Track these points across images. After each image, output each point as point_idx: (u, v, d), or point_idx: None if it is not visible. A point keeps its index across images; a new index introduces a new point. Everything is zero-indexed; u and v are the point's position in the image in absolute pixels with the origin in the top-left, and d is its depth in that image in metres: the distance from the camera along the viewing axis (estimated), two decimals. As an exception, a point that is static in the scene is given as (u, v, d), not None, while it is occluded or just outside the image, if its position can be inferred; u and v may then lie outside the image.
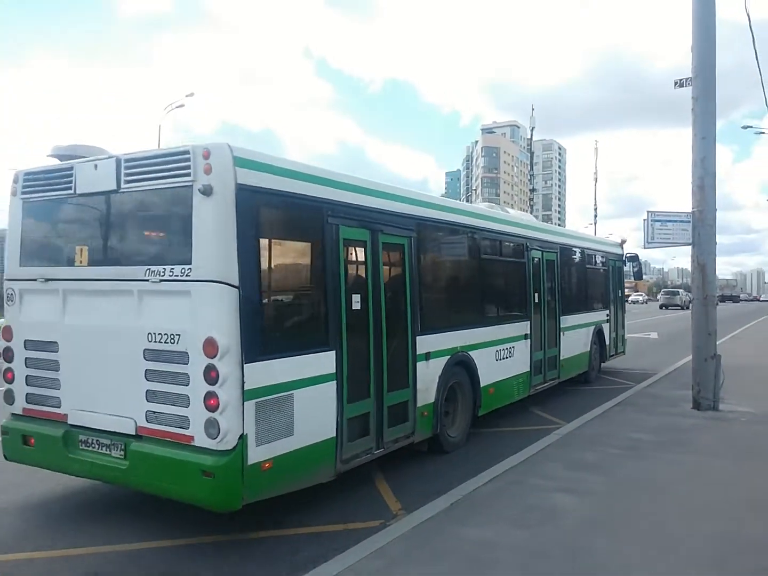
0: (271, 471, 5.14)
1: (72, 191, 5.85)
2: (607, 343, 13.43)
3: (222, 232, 5.02)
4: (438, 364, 7.34)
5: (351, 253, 6.21)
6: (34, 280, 6.08)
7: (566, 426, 8.30)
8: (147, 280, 5.30)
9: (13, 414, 6.18)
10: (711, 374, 9.13)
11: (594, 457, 6.80)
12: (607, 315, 13.46)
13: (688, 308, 65.60)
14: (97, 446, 5.59)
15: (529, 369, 9.71)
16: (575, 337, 11.64)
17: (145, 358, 5.27)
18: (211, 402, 4.98)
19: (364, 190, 6.44)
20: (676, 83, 9.51)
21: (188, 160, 5.08)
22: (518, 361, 9.39)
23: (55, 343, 5.91)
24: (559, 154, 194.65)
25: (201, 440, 4.99)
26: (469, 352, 7.99)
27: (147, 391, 5.27)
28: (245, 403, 5.00)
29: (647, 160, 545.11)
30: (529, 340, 9.72)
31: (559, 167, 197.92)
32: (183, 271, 5.10)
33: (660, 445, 7.29)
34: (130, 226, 5.67)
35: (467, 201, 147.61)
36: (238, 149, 5.16)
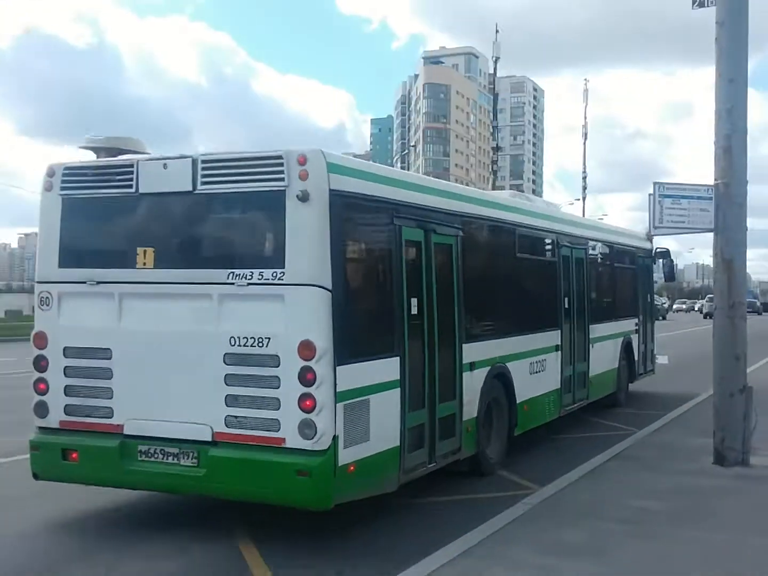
0: (354, 474, 7.05)
1: (133, 190, 7.56)
2: (636, 358, 15.70)
3: (318, 237, 6.92)
4: (480, 376, 9.49)
5: (412, 256, 8.26)
6: (81, 282, 7.76)
7: (541, 491, 8.49)
8: (231, 284, 7.11)
9: (44, 428, 7.91)
10: (739, 415, 9.49)
11: (579, 535, 6.97)
12: (636, 324, 15.75)
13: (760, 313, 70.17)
14: (161, 456, 7.36)
15: (559, 386, 11.95)
16: (604, 350, 13.81)
17: (225, 362, 7.11)
18: (306, 403, 6.86)
19: (427, 189, 8.82)
20: (694, 2, 9.84)
21: (281, 165, 6.92)
22: (549, 376, 11.57)
23: (108, 349, 7.65)
24: (534, 98, 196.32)
25: (294, 442, 6.87)
26: (507, 364, 10.18)
27: (227, 396, 7.10)
28: (336, 405, 6.92)
29: (657, 110, 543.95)
30: (559, 352, 11.94)
31: (535, 117, 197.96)
32: (275, 274, 6.94)
33: (673, 517, 7.54)
34: (207, 228, 7.54)
35: (404, 162, 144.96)
36: (329, 155, 7.12)
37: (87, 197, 7.88)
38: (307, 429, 6.89)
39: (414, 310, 8.16)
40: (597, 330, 13.30)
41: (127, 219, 7.74)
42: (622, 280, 15.22)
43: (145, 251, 7.54)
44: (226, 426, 7.15)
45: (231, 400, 7.13)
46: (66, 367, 7.84)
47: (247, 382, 7.07)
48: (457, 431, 8.91)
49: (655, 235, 9.77)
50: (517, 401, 10.36)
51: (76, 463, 7.68)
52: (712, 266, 9.67)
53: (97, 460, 7.58)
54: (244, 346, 7.10)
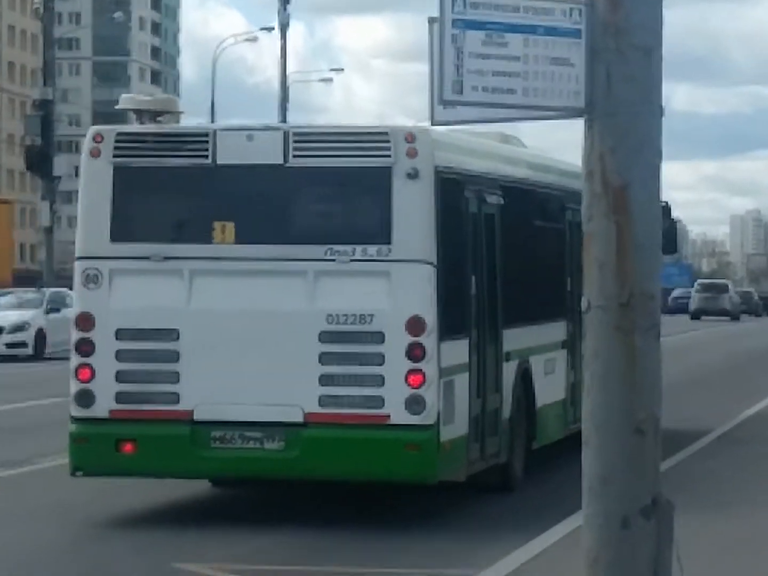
0: (447, 453, 7.78)
1: (209, 160, 7.82)
2: None
3: (426, 214, 7.66)
4: (512, 369, 9.59)
5: (485, 230, 8.82)
6: (141, 258, 7.84)
7: None
8: (331, 260, 7.70)
9: (87, 418, 7.89)
10: (642, 566, 4.14)
11: None
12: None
13: (737, 318, 59.32)
14: (240, 441, 7.68)
15: (564, 395, 11.14)
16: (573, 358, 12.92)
17: (320, 340, 7.66)
18: (415, 379, 7.49)
19: (514, 161, 9.74)
20: None
21: (387, 141, 7.69)
22: (557, 380, 11.07)
23: (174, 330, 7.81)
24: None
25: (399, 417, 7.53)
26: (529, 358, 10.01)
27: (322, 375, 7.64)
28: (440, 381, 7.60)
29: None
30: (565, 351, 11.17)
31: None
32: (380, 251, 7.64)
33: None
34: (300, 203, 8.14)
35: None
36: (434, 131, 7.79)
37: (147, 166, 7.78)
38: (415, 404, 7.36)
39: (474, 290, 8.42)
40: (566, 327, 12.21)
41: (200, 191, 7.84)
42: (565, 251, 13.84)
43: (223, 226, 7.55)
44: (320, 406, 7.45)
45: (326, 379, 7.49)
46: (119, 350, 7.70)
47: (346, 360, 7.49)
48: (499, 430, 8.84)
49: (441, 123, 4.14)
50: (537, 406, 9.94)
51: (133, 455, 7.59)
52: (584, 200, 4.15)
53: (162, 450, 7.59)
54: (344, 323, 7.45)
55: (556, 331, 10.98)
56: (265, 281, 7.62)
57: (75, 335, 7.88)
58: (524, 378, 9.76)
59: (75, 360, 7.79)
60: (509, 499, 9.34)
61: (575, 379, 11.09)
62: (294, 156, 7.59)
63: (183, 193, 8.01)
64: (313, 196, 8.01)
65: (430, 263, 7.42)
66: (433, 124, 4.10)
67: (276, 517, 8.41)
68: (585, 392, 4.07)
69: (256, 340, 7.57)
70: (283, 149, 7.55)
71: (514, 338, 9.45)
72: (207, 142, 7.67)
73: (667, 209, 13.42)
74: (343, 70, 58.63)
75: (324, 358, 7.53)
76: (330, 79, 65.16)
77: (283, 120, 49.42)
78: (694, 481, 10.95)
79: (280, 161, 7.59)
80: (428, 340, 7.34)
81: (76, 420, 7.88)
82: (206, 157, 7.68)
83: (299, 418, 7.49)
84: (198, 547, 7.78)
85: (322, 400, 7.50)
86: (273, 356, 7.58)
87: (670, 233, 12.94)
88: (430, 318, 7.38)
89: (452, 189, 8.01)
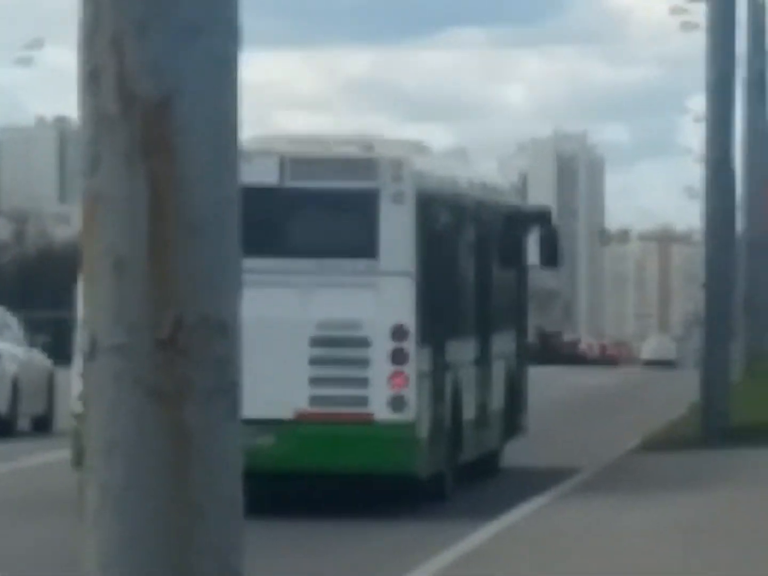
0: (425, 449, 8.57)
1: None
2: (517, 398, 13.65)
3: (408, 233, 8.86)
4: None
5: (466, 246, 10.56)
6: None
7: None
8: (320, 273, 8.91)
9: None
10: None
11: None
12: (515, 343, 13.48)
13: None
14: None
15: (475, 414, 12.01)
16: (496, 374, 12.46)
17: (310, 345, 8.90)
18: (398, 380, 8.61)
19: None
20: None
21: (375, 167, 9.09)
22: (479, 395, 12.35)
23: None
24: None
25: (383, 415, 8.75)
26: (457, 371, 10.85)
27: (312, 376, 8.91)
28: (418, 382, 8.65)
29: None
30: (478, 369, 11.94)
31: None
32: (368, 266, 9.01)
33: None
34: (292, 221, 9.28)
35: None
36: (418, 160, 9.31)
37: None
38: (397, 403, 8.30)
39: (450, 300, 9.74)
40: (494, 342, 11.86)
41: None
42: (493, 265, 12.84)
43: None
44: (310, 405, 8.50)
45: (316, 381, 8.52)
46: None
47: (335, 363, 8.47)
48: (443, 436, 9.46)
49: None
50: (463, 418, 10.31)
51: None
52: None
53: None
54: (333, 329, 8.42)
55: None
56: (262, 291, 8.26)
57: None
58: (453, 387, 10.52)
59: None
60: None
61: (475, 402, 12.59)
62: (290, 178, 8.76)
63: None
64: (306, 214, 9.05)
65: (411, 277, 8.38)
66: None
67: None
68: (89, 539, 2.06)
69: (252, 345, 8.19)
70: (279, 172, 8.72)
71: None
72: None
73: (548, 215, 12.55)
74: None
75: (314, 361, 8.57)
76: None
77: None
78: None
79: (276, 183, 8.69)
80: (410, 345, 8.25)
81: (79, 417, 7.93)
82: None
83: (291, 416, 8.45)
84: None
85: (312, 400, 8.54)
86: (268, 359, 8.27)
87: (551, 242, 11.57)
88: (411, 325, 8.30)
89: (431, 211, 9.21)
